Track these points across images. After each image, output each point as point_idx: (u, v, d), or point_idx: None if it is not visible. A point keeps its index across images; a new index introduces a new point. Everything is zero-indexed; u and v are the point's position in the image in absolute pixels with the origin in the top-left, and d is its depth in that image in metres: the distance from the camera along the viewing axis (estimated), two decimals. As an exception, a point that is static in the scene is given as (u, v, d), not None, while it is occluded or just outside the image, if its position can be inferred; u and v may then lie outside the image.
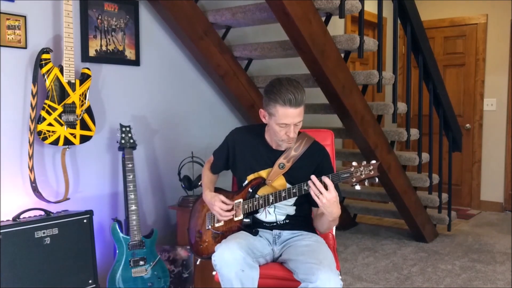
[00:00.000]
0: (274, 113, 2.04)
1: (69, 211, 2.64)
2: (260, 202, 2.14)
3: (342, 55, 3.23)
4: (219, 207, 2.20)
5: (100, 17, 2.88)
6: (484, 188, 5.56)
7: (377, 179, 1.94)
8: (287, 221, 2.22)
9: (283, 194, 2.07)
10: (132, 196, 2.72)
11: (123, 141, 2.76)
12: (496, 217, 5.21)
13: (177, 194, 3.28)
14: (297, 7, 2.74)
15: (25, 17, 2.55)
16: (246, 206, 2.19)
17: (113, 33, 2.96)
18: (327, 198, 1.91)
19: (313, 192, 1.94)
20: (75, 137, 2.63)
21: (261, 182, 2.20)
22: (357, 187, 1.95)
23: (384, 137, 3.64)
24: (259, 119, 2.22)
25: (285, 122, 2.04)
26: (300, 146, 2.19)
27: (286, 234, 2.22)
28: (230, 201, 2.22)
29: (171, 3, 3.05)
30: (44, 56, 2.51)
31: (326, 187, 1.94)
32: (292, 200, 2.19)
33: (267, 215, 2.22)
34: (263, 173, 2.21)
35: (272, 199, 2.10)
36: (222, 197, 2.22)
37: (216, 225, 2.26)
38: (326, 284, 1.85)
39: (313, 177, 1.95)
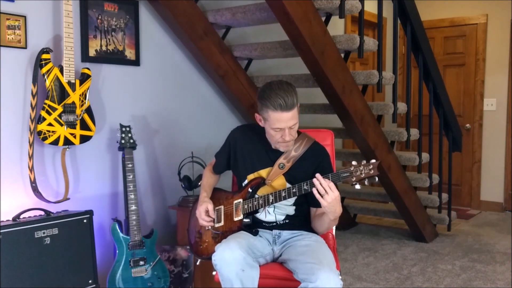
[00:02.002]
0: (267, 118, 2.05)
1: (69, 211, 2.64)
2: (260, 202, 2.14)
3: (342, 55, 3.23)
4: (199, 214, 2.24)
5: (100, 17, 2.88)
6: (484, 188, 5.56)
7: (377, 178, 1.94)
8: (287, 221, 2.22)
9: (283, 194, 2.07)
10: (132, 196, 2.72)
11: (123, 141, 2.76)
12: (496, 217, 5.21)
13: (177, 194, 3.28)
14: (297, 7, 2.74)
15: (25, 17, 2.55)
16: (246, 206, 2.19)
17: (113, 33, 2.96)
18: (332, 198, 1.91)
19: (317, 192, 1.94)
20: (75, 137, 2.63)
21: (261, 182, 2.20)
22: (357, 186, 1.95)
23: (384, 137, 3.64)
24: (259, 119, 2.22)
25: (278, 127, 2.05)
26: (300, 146, 2.19)
27: (286, 234, 2.22)
28: (213, 213, 2.25)
29: (171, 3, 3.05)
30: (44, 56, 2.51)
31: None
32: (292, 200, 2.20)
33: (266, 215, 2.22)
34: (263, 173, 2.21)
35: (272, 199, 2.10)
36: (210, 207, 2.24)
37: (216, 225, 2.26)
38: (326, 284, 1.84)
39: (318, 176, 1.95)
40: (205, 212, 2.24)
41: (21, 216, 2.45)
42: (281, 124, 2.03)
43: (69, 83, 2.58)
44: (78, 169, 2.84)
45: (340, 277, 1.94)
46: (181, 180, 3.12)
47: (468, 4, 5.51)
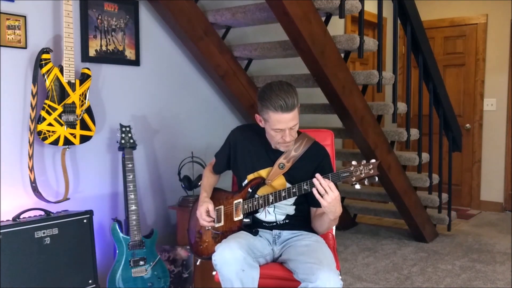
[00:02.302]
0: (267, 119, 2.05)
1: (69, 211, 2.64)
2: (260, 202, 2.14)
3: (342, 55, 3.23)
4: (200, 214, 2.24)
5: (100, 17, 2.88)
6: (484, 188, 5.56)
7: (376, 178, 1.94)
8: (287, 221, 2.22)
9: (283, 194, 2.07)
10: (132, 196, 2.72)
11: (123, 141, 2.76)
12: (496, 217, 5.21)
13: (177, 194, 3.28)
14: (297, 7, 2.74)
15: (25, 17, 2.55)
16: (246, 206, 2.19)
17: (113, 33, 2.96)
18: (332, 198, 1.91)
19: (317, 192, 1.94)
20: (75, 137, 2.63)
21: (261, 182, 2.20)
22: (357, 186, 1.95)
23: (384, 137, 3.64)
24: (259, 119, 2.22)
25: (279, 128, 2.05)
26: (300, 146, 2.19)
27: (286, 234, 2.22)
28: (214, 213, 2.25)
29: (171, 3, 3.06)
30: (44, 56, 2.51)
31: None
32: (292, 200, 2.19)
33: (266, 215, 2.22)
34: (263, 173, 2.21)
35: (272, 199, 2.10)
36: (211, 207, 2.24)
37: (216, 225, 2.26)
38: (326, 284, 1.84)
39: (318, 176, 1.95)
40: (205, 213, 2.24)
41: (21, 216, 2.45)
42: (282, 125, 2.03)
43: (69, 83, 2.58)
44: (78, 169, 2.84)
45: (340, 277, 1.94)
46: (181, 180, 3.12)
47: (468, 4, 5.51)
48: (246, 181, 2.25)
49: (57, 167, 2.72)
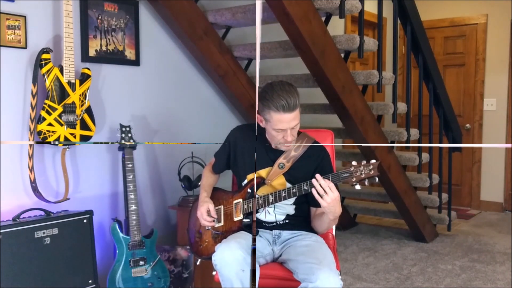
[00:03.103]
0: (269, 119, 2.05)
1: (69, 211, 2.64)
2: (260, 202, 2.14)
3: (342, 55, 3.23)
4: (201, 214, 2.23)
5: (100, 17, 2.88)
6: (484, 188, 5.56)
7: (377, 179, 1.94)
8: (287, 221, 2.22)
9: (283, 194, 2.07)
10: (132, 196, 2.72)
11: (123, 141, 2.76)
12: (496, 217, 5.21)
13: (177, 194, 3.28)
14: (297, 7, 2.74)
15: (25, 17, 2.55)
16: (245, 206, 2.19)
17: (113, 33, 2.96)
18: (331, 198, 1.91)
19: (316, 192, 1.93)
20: (75, 137, 2.63)
21: (261, 182, 2.20)
22: (357, 187, 1.94)
23: (384, 137, 3.64)
24: (259, 119, 2.22)
25: (280, 128, 2.04)
26: (300, 146, 2.19)
27: (286, 234, 2.22)
28: (214, 213, 2.23)
29: (171, 3, 3.05)
30: (44, 56, 2.51)
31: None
32: (292, 199, 2.19)
33: (266, 215, 2.22)
34: (262, 173, 2.21)
35: (272, 199, 2.10)
36: (211, 207, 2.23)
37: (216, 225, 2.26)
38: (326, 284, 1.84)
39: (318, 176, 1.95)
40: (206, 212, 2.24)
41: (21, 216, 2.45)
42: (283, 125, 2.03)
43: (69, 83, 2.58)
44: (78, 169, 2.84)
45: (340, 277, 1.93)
46: (181, 180, 3.12)
47: (468, 4, 5.51)
48: (245, 181, 2.25)
49: (57, 167, 2.72)
